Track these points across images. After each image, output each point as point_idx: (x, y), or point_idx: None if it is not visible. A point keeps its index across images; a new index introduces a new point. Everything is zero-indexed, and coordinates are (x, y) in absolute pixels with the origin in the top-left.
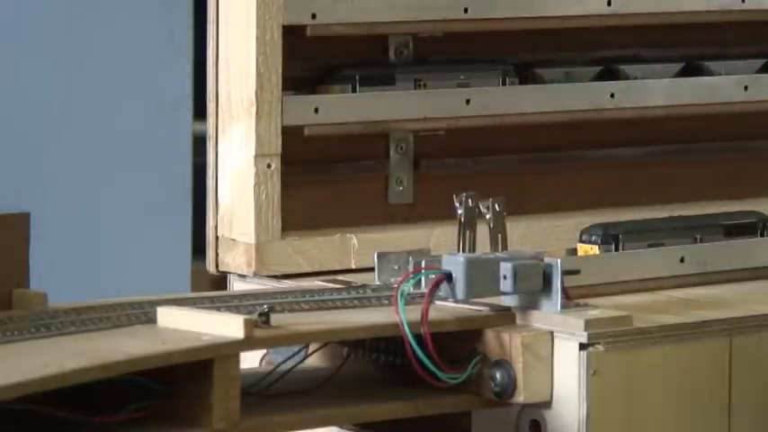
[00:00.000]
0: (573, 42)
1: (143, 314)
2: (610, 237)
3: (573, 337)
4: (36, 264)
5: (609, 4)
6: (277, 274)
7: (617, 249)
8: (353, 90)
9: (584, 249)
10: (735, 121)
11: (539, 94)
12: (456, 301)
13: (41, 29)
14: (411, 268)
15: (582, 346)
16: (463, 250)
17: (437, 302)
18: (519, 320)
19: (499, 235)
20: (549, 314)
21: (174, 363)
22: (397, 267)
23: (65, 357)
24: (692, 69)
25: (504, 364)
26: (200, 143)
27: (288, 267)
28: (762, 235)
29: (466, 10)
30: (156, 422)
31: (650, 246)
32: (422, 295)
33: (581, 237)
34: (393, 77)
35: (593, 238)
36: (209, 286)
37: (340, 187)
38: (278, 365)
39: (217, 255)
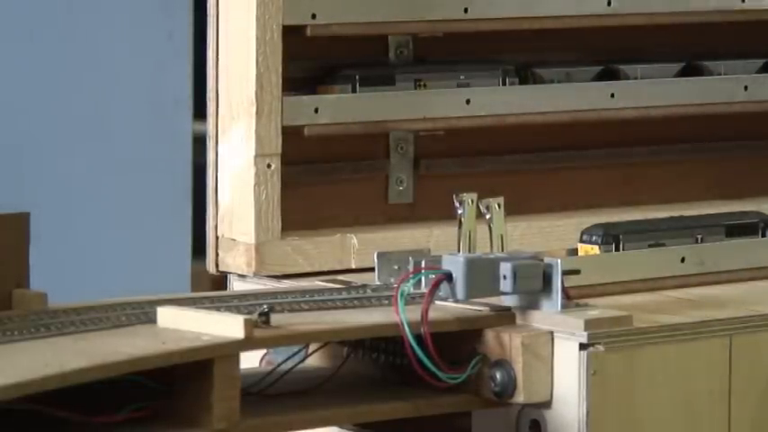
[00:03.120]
0: (573, 42)
1: (143, 314)
2: (610, 237)
3: (573, 337)
4: (36, 264)
5: (609, 4)
6: (277, 274)
7: (617, 249)
8: (353, 90)
9: (584, 249)
10: (735, 121)
11: (539, 94)
12: (456, 301)
13: (41, 28)
14: (411, 268)
15: (582, 346)
16: (463, 250)
17: (437, 302)
18: (519, 320)
19: (499, 235)
20: (549, 314)
21: (174, 363)
22: (397, 267)
23: (65, 357)
24: (692, 69)
25: (504, 364)
26: (200, 143)
27: (288, 267)
28: (763, 235)
29: (466, 10)
30: (156, 422)
31: (651, 246)
32: (422, 295)
33: (581, 237)
34: (393, 77)
35: (594, 238)
36: (209, 286)
37: (340, 187)
38: (278, 365)
39: (217, 255)
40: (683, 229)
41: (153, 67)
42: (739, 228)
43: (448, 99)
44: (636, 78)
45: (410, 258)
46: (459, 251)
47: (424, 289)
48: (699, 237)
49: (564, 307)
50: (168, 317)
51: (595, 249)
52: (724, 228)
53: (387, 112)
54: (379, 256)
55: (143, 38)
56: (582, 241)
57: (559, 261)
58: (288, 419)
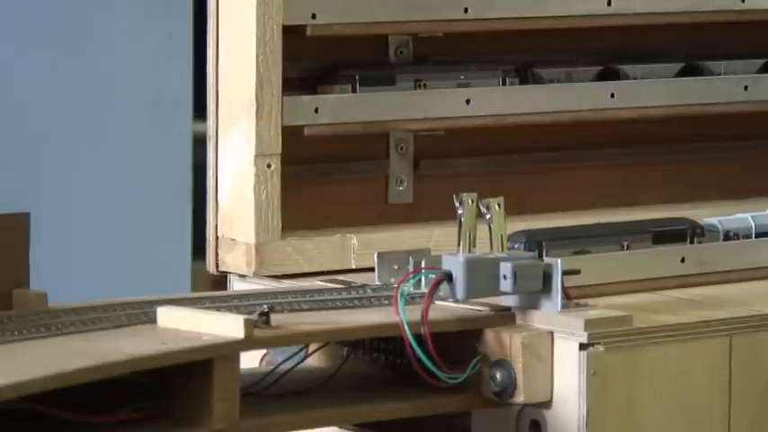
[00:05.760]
0: (573, 42)
1: (143, 314)
2: (533, 243)
3: (573, 337)
4: (36, 264)
5: (609, 4)
6: (277, 274)
7: (540, 256)
8: (353, 90)
9: None
10: (735, 121)
11: (539, 94)
12: (456, 301)
13: (41, 28)
14: (411, 268)
15: (582, 346)
16: (463, 250)
17: (437, 302)
18: (519, 320)
19: (499, 235)
20: (549, 314)
21: (174, 363)
22: (397, 267)
23: (65, 357)
24: (692, 69)
25: (504, 364)
26: (200, 143)
27: (288, 267)
28: (691, 242)
29: (466, 10)
30: (156, 422)
31: (575, 253)
32: (422, 295)
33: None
34: (393, 77)
35: (516, 245)
36: (209, 286)
37: (340, 187)
38: (278, 365)
39: (217, 255)
40: (609, 235)
41: (153, 67)
42: (667, 235)
43: (448, 99)
44: (636, 78)
45: (410, 258)
46: (459, 251)
47: (423, 289)
48: (625, 244)
49: (564, 307)
50: (168, 317)
51: None
52: (651, 234)
53: (387, 112)
54: (379, 256)
55: (143, 38)
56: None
57: (559, 261)
58: (288, 419)
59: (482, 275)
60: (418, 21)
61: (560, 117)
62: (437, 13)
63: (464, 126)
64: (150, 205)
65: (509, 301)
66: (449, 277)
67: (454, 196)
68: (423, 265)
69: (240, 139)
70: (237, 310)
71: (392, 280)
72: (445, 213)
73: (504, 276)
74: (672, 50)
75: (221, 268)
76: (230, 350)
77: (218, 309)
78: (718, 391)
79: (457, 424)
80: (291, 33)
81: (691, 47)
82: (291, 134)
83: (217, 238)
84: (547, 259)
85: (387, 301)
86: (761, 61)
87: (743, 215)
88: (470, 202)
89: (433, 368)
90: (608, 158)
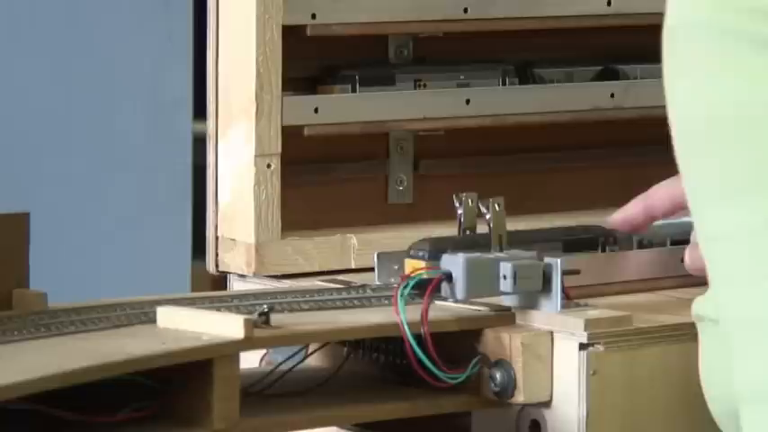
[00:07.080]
0: (573, 42)
1: (143, 314)
2: (437, 252)
3: (573, 337)
4: (36, 264)
5: (609, 4)
6: (277, 274)
7: None
8: (353, 90)
9: (411, 264)
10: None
11: (539, 94)
12: (456, 301)
13: (41, 28)
14: None
15: (582, 346)
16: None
17: (437, 302)
18: (519, 320)
19: (499, 235)
20: (549, 314)
21: (174, 363)
22: (397, 267)
23: (65, 357)
24: None
25: (504, 364)
26: (200, 143)
27: (288, 267)
28: (603, 250)
29: (466, 10)
30: (156, 422)
31: None
32: (422, 295)
33: (408, 251)
34: (393, 77)
35: (420, 253)
36: (209, 286)
37: (340, 187)
38: (278, 365)
39: (217, 255)
40: (518, 243)
41: (153, 67)
42: (577, 243)
43: (448, 99)
44: (636, 78)
45: None
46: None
47: None
48: (534, 253)
49: (564, 307)
50: (168, 317)
51: (421, 264)
52: (561, 243)
53: (387, 112)
54: (379, 256)
55: (143, 38)
56: (409, 256)
57: (559, 261)
58: (288, 419)
59: (482, 275)
60: (418, 21)
61: (560, 117)
62: (437, 13)
63: (464, 126)
64: (150, 205)
65: (509, 301)
66: (449, 277)
67: (454, 196)
68: (423, 265)
69: (240, 139)
70: (237, 310)
71: (392, 280)
72: (445, 213)
73: (504, 276)
74: None
75: (221, 268)
76: (230, 350)
77: (218, 309)
78: None
79: (457, 424)
80: (291, 33)
81: None
82: (291, 134)
83: (217, 238)
84: (547, 259)
85: (387, 301)
86: None
87: (657, 222)
88: (470, 202)
89: (433, 368)
90: (608, 158)
